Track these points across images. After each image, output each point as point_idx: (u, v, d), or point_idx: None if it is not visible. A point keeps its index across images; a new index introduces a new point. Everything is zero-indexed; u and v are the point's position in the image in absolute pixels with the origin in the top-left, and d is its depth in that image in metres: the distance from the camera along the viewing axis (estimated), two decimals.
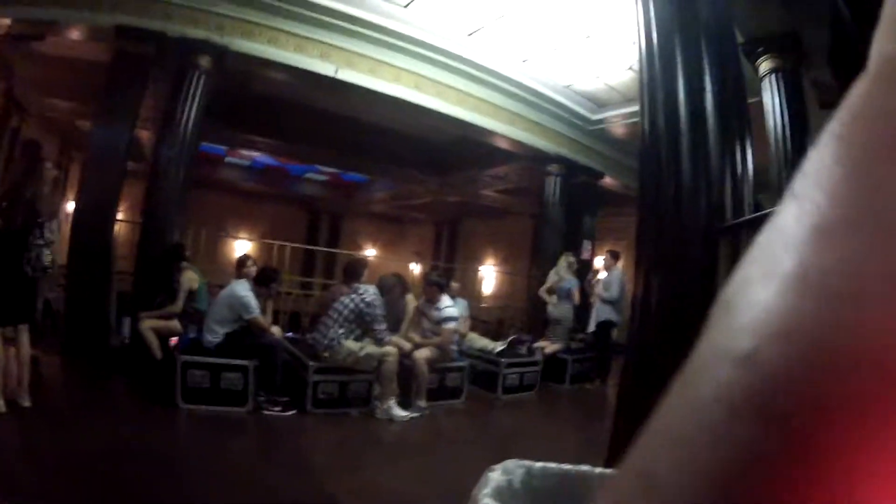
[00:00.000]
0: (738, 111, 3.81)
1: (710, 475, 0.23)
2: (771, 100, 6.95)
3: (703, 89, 3.65)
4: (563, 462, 2.70)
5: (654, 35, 3.88)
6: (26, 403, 5.57)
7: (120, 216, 10.24)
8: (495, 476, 2.48)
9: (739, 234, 3.40)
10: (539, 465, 2.69)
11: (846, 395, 0.22)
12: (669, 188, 3.63)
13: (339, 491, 4.74)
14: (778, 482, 0.22)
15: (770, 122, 6.94)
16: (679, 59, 3.71)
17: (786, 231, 0.27)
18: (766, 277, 0.26)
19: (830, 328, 0.23)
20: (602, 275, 11.89)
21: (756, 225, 3.31)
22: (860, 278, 0.23)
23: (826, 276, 0.24)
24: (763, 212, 4.30)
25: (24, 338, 5.62)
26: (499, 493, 2.38)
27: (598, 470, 2.73)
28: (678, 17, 3.81)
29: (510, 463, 2.63)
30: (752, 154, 3.80)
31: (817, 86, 7.42)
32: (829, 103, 8.65)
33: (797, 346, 0.23)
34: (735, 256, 3.37)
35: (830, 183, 0.27)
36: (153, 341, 7.42)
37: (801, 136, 6.83)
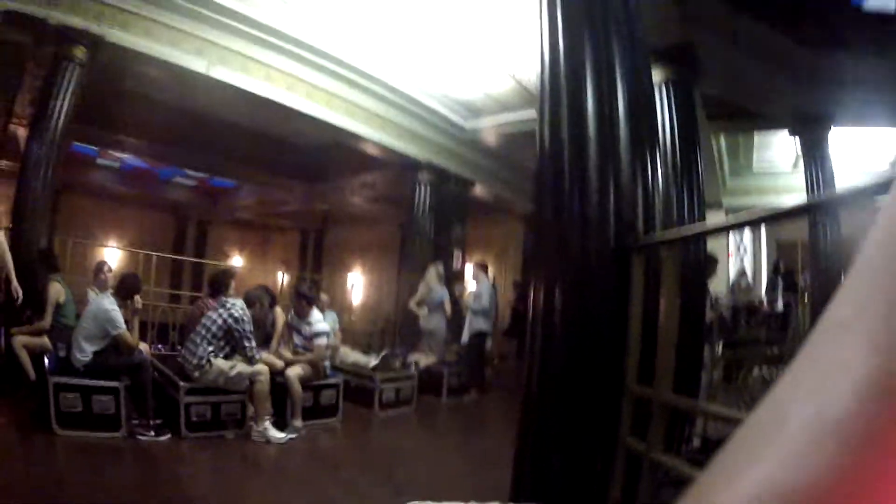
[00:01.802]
0: (648, 118, 3.69)
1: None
2: (661, 110, 6.99)
3: (613, 94, 3.48)
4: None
5: (560, 35, 3.66)
6: None
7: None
8: None
9: (655, 251, 3.26)
10: None
11: None
12: (574, 201, 3.45)
13: None
14: None
15: (659, 133, 7.01)
16: (588, 61, 3.53)
17: None
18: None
19: None
20: (472, 286, 11.92)
21: (672, 244, 3.19)
22: None
23: None
24: (682, 233, 4.19)
25: None
26: None
27: None
28: (587, 15, 3.64)
29: None
30: (660, 165, 3.70)
31: (706, 99, 7.56)
32: (716, 116, 8.90)
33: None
34: (648, 275, 3.24)
35: None
36: (26, 360, 7.02)
37: (690, 146, 6.96)
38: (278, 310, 8.65)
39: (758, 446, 0.30)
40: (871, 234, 0.31)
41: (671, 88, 7.11)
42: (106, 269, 8.12)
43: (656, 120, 3.77)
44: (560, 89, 3.64)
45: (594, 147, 3.46)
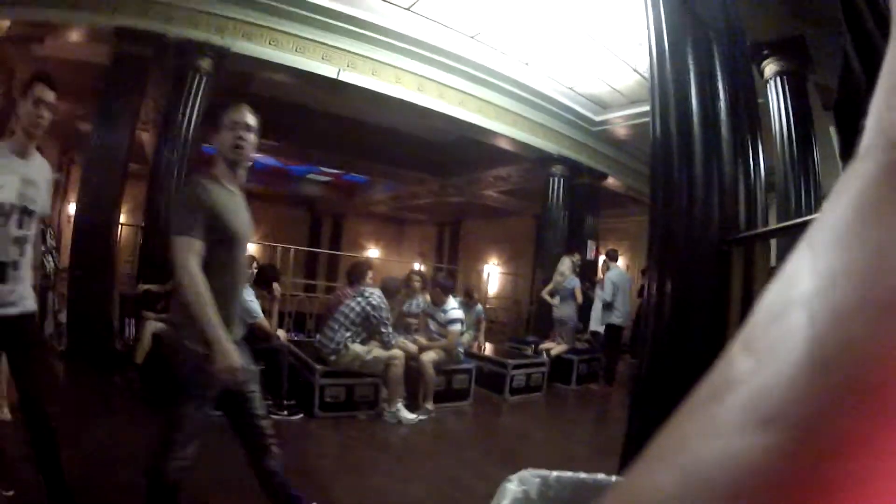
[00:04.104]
0: (750, 116, 3.74)
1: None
2: (776, 102, 6.97)
3: (715, 93, 3.59)
4: (572, 467, 2.67)
5: (665, 37, 3.81)
6: None
7: (123, 218, 9.96)
8: (512, 487, 2.47)
9: (753, 245, 3.37)
10: (554, 474, 2.68)
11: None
12: (682, 197, 3.60)
13: (347, 496, 4.70)
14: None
15: (775, 125, 6.98)
16: (690, 62, 3.66)
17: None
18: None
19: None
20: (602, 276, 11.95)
21: (769, 237, 3.30)
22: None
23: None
24: (776, 226, 4.26)
25: None
26: None
27: (614, 478, 2.72)
28: (688, 17, 3.74)
29: (526, 473, 2.61)
30: (763, 160, 3.74)
31: (821, 89, 7.44)
32: (832, 106, 8.67)
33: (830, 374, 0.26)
34: (748, 267, 3.35)
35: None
36: (144, 346, 7.25)
37: (805, 137, 6.87)
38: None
39: (694, 429, 0.29)
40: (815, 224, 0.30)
41: (784, 80, 7.05)
42: (254, 265, 8.41)
43: (758, 117, 3.75)
44: (667, 89, 3.76)
45: (699, 144, 3.58)
